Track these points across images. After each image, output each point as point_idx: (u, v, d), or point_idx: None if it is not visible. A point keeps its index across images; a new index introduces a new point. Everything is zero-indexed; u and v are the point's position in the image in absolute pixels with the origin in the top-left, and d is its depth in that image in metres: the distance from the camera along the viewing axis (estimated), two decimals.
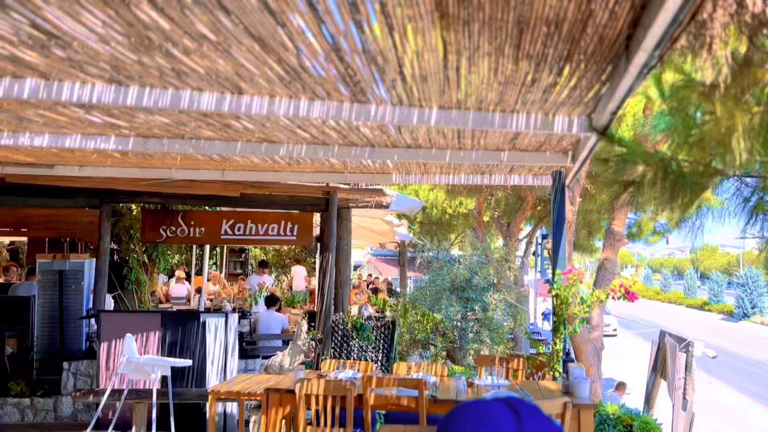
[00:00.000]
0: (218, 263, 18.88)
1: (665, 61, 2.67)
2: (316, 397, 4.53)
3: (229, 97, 3.39)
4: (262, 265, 13.22)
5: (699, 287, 44.36)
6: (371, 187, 7.18)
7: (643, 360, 15.37)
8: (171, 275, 14.74)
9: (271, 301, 9.65)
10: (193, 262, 15.34)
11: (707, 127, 2.38)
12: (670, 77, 2.94)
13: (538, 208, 15.44)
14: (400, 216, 13.96)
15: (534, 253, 21.41)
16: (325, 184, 7.10)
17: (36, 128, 4.43)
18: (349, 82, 3.13)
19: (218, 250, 19.73)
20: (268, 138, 4.57)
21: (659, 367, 7.20)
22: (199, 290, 12.70)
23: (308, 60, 2.80)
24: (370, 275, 22.84)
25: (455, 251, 16.15)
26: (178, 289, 13.08)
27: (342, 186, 7.20)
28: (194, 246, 15.34)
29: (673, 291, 46.27)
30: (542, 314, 25.96)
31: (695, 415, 6.23)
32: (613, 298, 5.26)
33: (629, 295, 5.24)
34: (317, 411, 4.57)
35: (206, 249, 15.18)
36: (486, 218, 18.26)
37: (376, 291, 15.76)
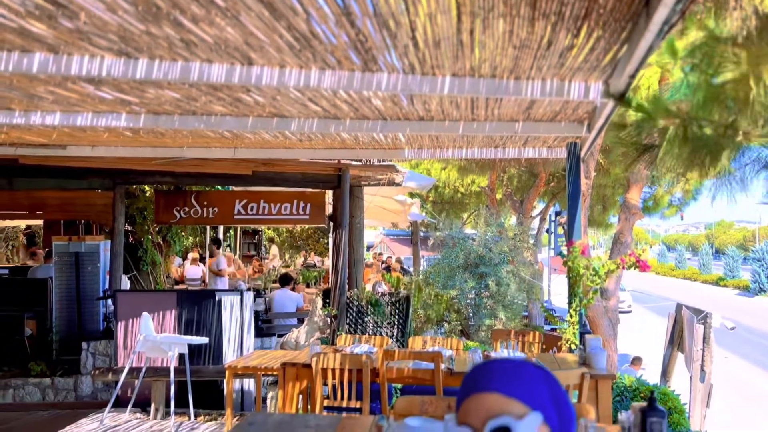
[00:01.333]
0: (231, 245, 18.96)
1: (686, 17, 2.59)
2: (333, 370, 4.53)
3: (239, 69, 3.34)
4: (216, 243, 12.90)
5: (714, 263, 44.04)
6: (383, 163, 7.13)
7: (658, 335, 15.27)
8: (185, 258, 14.84)
9: (285, 280, 9.68)
10: (207, 244, 15.42)
11: (730, 83, 2.30)
12: (691, 36, 2.86)
13: (552, 184, 15.32)
14: (412, 194, 13.90)
15: (547, 231, 21.31)
16: (336, 161, 7.06)
17: (47, 106, 4.41)
18: (360, 49, 3.07)
19: (232, 232, 19.83)
20: (279, 112, 4.52)
21: (676, 340, 7.16)
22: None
23: (318, 26, 2.75)
24: (380, 254, 22.83)
25: (468, 230, 16.09)
26: (193, 270, 13.15)
27: (354, 163, 7.16)
28: (208, 228, 15.42)
29: (688, 267, 45.91)
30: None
31: (713, 386, 6.19)
32: (623, 267, 5.20)
33: (640, 264, 5.18)
34: (334, 385, 4.58)
35: (220, 231, 15.24)
36: (499, 196, 18.15)
37: (389, 269, 15.76)
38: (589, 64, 3.32)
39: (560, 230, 18.50)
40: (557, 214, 19.53)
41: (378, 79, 3.42)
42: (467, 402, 1.33)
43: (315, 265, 17.83)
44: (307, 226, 19.71)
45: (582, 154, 5.89)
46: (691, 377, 6.20)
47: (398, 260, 20.43)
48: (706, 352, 6.03)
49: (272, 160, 6.69)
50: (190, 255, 13.80)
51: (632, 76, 3.18)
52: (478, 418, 1.29)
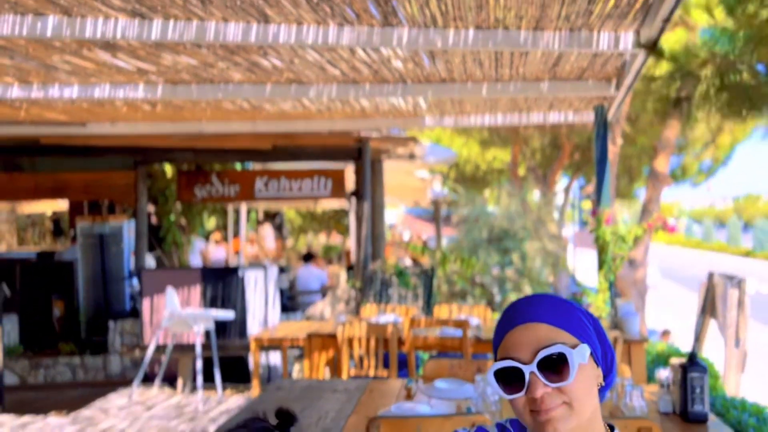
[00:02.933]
0: (254, 227, 19.02)
1: None
2: (359, 339, 4.48)
3: (255, 27, 3.25)
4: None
5: (743, 236, 43.23)
6: (404, 135, 7.02)
7: (686, 308, 15.00)
8: (208, 240, 14.90)
9: (308, 256, 9.66)
10: (231, 226, 15.47)
11: None
12: None
13: (575, 156, 15.06)
14: (432, 170, 13.77)
15: (572, 206, 21.04)
16: (357, 133, 6.96)
17: (64, 78, 4.37)
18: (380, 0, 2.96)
19: (254, 214, 19.89)
20: (297, 78, 4.43)
21: (708, 308, 6.97)
22: (237, 253, 12.82)
23: None
24: (401, 234, 22.74)
25: (491, 207, 15.90)
26: (218, 252, 13.22)
27: (374, 135, 7.05)
28: (229, 211, 15.47)
29: (716, 241, 45.14)
30: None
31: (748, 353, 6.03)
32: (649, 230, 5.06)
33: (666, 227, 5.04)
34: (360, 356, 4.53)
35: (242, 213, 15.28)
36: (521, 171, 17.92)
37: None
38: (620, 11, 3.17)
39: (584, 204, 18.25)
40: (581, 188, 19.25)
41: (398, 33, 3.30)
42: (511, 334, 1.24)
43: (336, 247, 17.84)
44: (327, 208, 19.67)
45: (609, 116, 5.72)
46: (725, 343, 6.04)
47: (419, 238, 20.35)
48: (741, 317, 5.86)
49: (292, 134, 6.61)
50: (213, 236, 13.86)
51: (666, 20, 3.02)
52: (527, 348, 1.20)
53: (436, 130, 15.82)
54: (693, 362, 2.56)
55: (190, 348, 6.30)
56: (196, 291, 6.72)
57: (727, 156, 13.22)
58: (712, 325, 6.94)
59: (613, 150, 8.52)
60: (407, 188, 15.05)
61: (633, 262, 9.70)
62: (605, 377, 1.28)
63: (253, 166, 10.16)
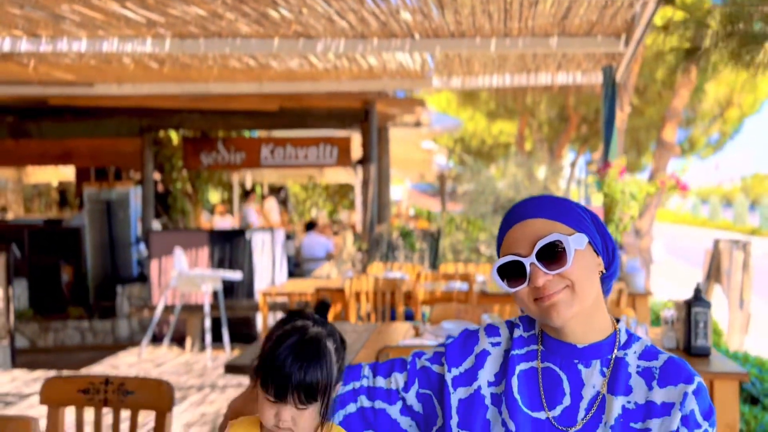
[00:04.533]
0: (259, 201, 19.05)
1: None
2: (366, 294, 4.52)
3: None
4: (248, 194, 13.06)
5: (749, 215, 43.07)
6: (411, 95, 7.00)
7: (691, 282, 15.04)
8: (213, 213, 14.96)
9: (311, 224, 9.71)
10: (236, 200, 15.53)
11: None
12: None
13: (582, 129, 14.99)
14: (437, 140, 13.74)
15: (577, 182, 20.97)
16: (363, 95, 6.94)
17: (73, 31, 4.37)
18: None
19: (259, 188, 19.92)
20: (305, 31, 4.42)
21: (713, 273, 7.00)
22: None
23: None
24: (406, 209, 22.74)
25: (497, 182, 15.88)
26: (224, 223, 13.27)
27: (380, 96, 7.03)
28: (235, 183, 15.50)
29: (721, 220, 45.00)
30: None
31: (752, 315, 6.07)
32: (662, 188, 5.06)
33: (680, 186, 5.03)
34: (368, 314, 4.58)
35: (247, 186, 15.31)
36: (528, 146, 17.86)
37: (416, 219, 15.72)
38: None
39: (590, 179, 18.19)
40: (588, 163, 19.17)
41: None
42: (511, 232, 1.28)
43: (341, 221, 17.87)
44: (333, 182, 19.66)
45: (617, 77, 5.70)
46: (729, 305, 6.08)
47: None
48: (745, 279, 5.89)
49: (298, 95, 6.61)
50: (217, 209, 13.91)
51: None
52: (526, 243, 1.24)
53: (442, 102, 15.77)
54: (697, 298, 2.59)
55: (199, 308, 6.37)
56: (204, 253, 6.78)
57: (736, 130, 13.15)
58: (717, 290, 6.97)
59: (621, 117, 8.46)
60: (413, 161, 15.05)
61: (639, 231, 9.70)
62: (607, 268, 1.31)
63: (259, 133, 10.16)
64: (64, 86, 6.14)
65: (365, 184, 6.79)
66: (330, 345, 1.24)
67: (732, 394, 2.40)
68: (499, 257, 1.30)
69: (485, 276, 4.99)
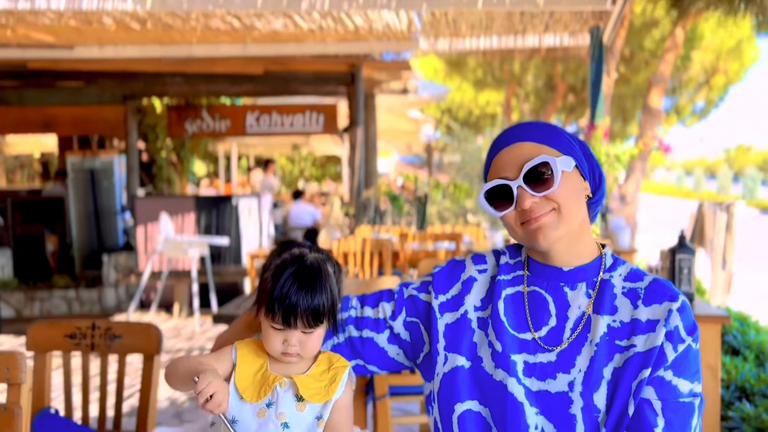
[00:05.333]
0: (246, 173, 18.94)
1: None
2: (354, 254, 4.52)
3: None
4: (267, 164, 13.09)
5: (732, 186, 43.52)
6: (398, 58, 6.93)
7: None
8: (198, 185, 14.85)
9: (298, 193, 9.68)
10: (222, 172, 15.41)
11: None
12: None
13: (569, 98, 14.99)
14: (424, 108, 13.66)
15: None
16: (350, 59, 6.86)
17: None
18: None
19: (245, 160, 19.77)
20: None
21: (697, 236, 7.08)
22: None
23: None
24: (394, 180, 22.69)
25: (484, 153, 15.87)
26: (209, 193, 13.21)
27: (366, 59, 6.95)
28: (220, 157, 15.37)
29: (705, 191, 45.46)
30: None
31: (734, 276, 6.15)
32: (646, 150, 5.09)
33: (662, 147, 5.06)
34: (355, 273, 4.59)
35: (233, 159, 15.19)
36: (515, 116, 17.83)
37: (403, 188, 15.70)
38: None
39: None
40: (575, 134, 19.19)
41: None
42: (498, 157, 1.29)
43: (328, 192, 17.82)
44: (319, 154, 19.55)
45: (605, 38, 5.67)
46: (712, 266, 6.16)
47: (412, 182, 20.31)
48: (728, 240, 5.95)
49: (283, 58, 6.52)
50: (203, 182, 13.82)
51: None
52: (514, 166, 1.25)
53: (429, 72, 15.66)
54: (681, 245, 2.62)
55: (186, 274, 6.35)
56: (191, 219, 6.74)
57: (721, 97, 13.20)
58: (701, 253, 7.06)
59: (608, 82, 8.44)
60: (400, 131, 14.97)
61: (624, 198, 9.77)
62: (594, 193, 1.31)
63: (244, 101, 10.05)
64: (44, 49, 6.01)
65: (352, 148, 6.75)
66: (329, 268, 1.26)
67: (714, 337, 2.44)
68: (486, 176, 1.31)
69: (471, 237, 5.01)
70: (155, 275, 6.43)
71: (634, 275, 1.28)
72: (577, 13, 5.20)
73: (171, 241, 6.02)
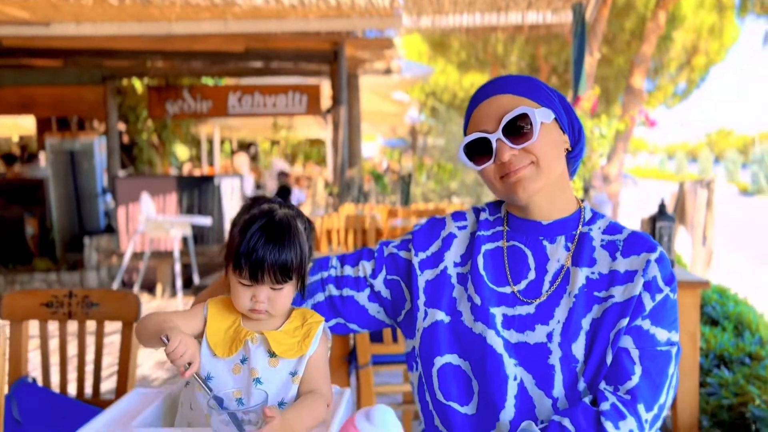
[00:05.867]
0: (229, 157, 18.81)
1: None
2: (337, 231, 4.51)
3: None
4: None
5: (714, 168, 44.07)
6: (381, 36, 6.87)
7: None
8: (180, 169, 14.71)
9: (282, 174, 9.63)
10: (204, 157, 15.27)
11: None
12: None
13: (553, 80, 15.00)
14: (408, 91, 13.61)
15: None
16: (333, 37, 6.79)
17: None
18: None
19: (228, 144, 19.61)
20: None
21: (677, 214, 7.15)
22: None
23: None
24: (379, 163, 22.65)
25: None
26: None
27: (349, 37, 6.89)
28: (202, 141, 15.22)
29: (687, 174, 46.00)
30: None
31: (714, 252, 6.22)
32: (631, 123, 5.11)
33: (649, 121, 5.08)
34: (339, 251, 4.58)
35: (216, 143, 15.06)
36: None
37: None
38: None
39: None
40: None
41: None
42: (477, 111, 1.28)
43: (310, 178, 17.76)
44: (303, 137, 19.45)
45: (587, 15, 5.68)
46: (692, 243, 6.22)
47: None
48: (708, 216, 6.01)
49: (265, 36, 6.44)
50: (186, 166, 13.68)
51: None
52: (493, 119, 1.24)
53: (413, 54, 15.57)
54: (661, 213, 2.63)
55: (168, 254, 6.31)
56: (172, 199, 6.68)
57: (702, 78, 13.29)
58: (681, 231, 7.14)
59: (590, 62, 8.45)
60: (384, 114, 14.91)
61: (607, 178, 9.83)
62: (573, 147, 1.31)
63: (226, 81, 9.95)
64: (19, 26, 5.88)
65: (335, 127, 6.71)
66: (298, 224, 1.24)
67: (693, 303, 2.47)
68: (466, 130, 1.30)
69: None
70: (137, 256, 6.38)
71: (613, 228, 1.29)
72: None
73: (153, 221, 5.96)
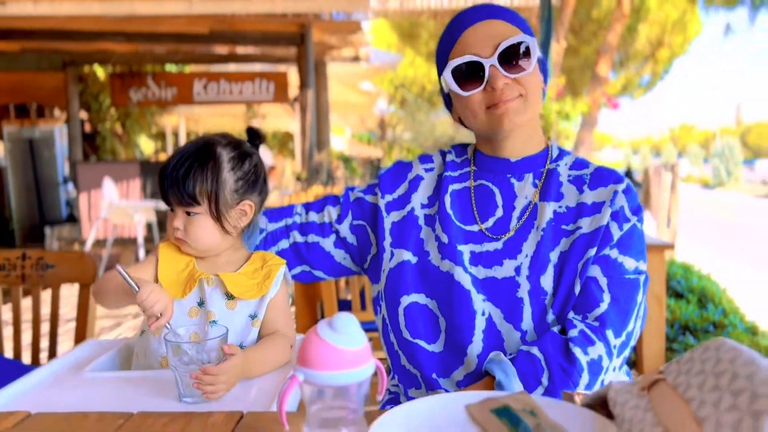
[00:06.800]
0: None
1: None
2: None
3: None
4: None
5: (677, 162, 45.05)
6: (348, 19, 6.81)
7: None
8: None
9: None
10: (170, 149, 15.01)
11: None
12: None
13: None
14: (377, 82, 13.57)
15: None
16: (298, 19, 6.71)
17: None
18: None
19: (194, 137, 19.29)
20: None
21: (642, 199, 7.27)
22: None
23: None
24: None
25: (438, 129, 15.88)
26: None
27: (317, 19, 6.81)
28: (168, 134, 14.95)
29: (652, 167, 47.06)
30: None
31: (678, 233, 6.34)
32: (594, 106, 5.18)
33: (610, 103, 5.16)
34: None
35: (181, 135, 14.82)
36: None
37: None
38: None
39: None
40: None
41: None
42: (469, 32, 1.20)
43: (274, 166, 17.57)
44: (272, 129, 19.27)
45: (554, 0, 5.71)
46: (657, 225, 6.33)
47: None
48: (672, 199, 6.12)
49: (230, 17, 6.33)
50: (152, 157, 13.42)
51: None
52: (487, 43, 1.17)
53: (382, 44, 15.55)
54: (627, 175, 2.64)
55: (132, 241, 6.17)
56: (136, 184, 6.53)
57: (666, 70, 13.55)
58: (647, 216, 7.26)
59: (557, 50, 8.55)
60: (352, 105, 14.84)
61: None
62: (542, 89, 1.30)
63: (191, 68, 9.78)
64: None
65: (303, 111, 6.63)
66: (224, 153, 1.18)
67: (659, 265, 2.48)
68: (447, 61, 1.22)
69: None
70: (100, 243, 6.22)
71: (580, 164, 1.28)
72: None
73: (115, 207, 5.82)
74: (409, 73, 19.14)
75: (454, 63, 1.18)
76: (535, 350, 1.10)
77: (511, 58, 1.16)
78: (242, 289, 1.17)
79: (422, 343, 1.21)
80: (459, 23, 1.22)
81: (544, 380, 1.07)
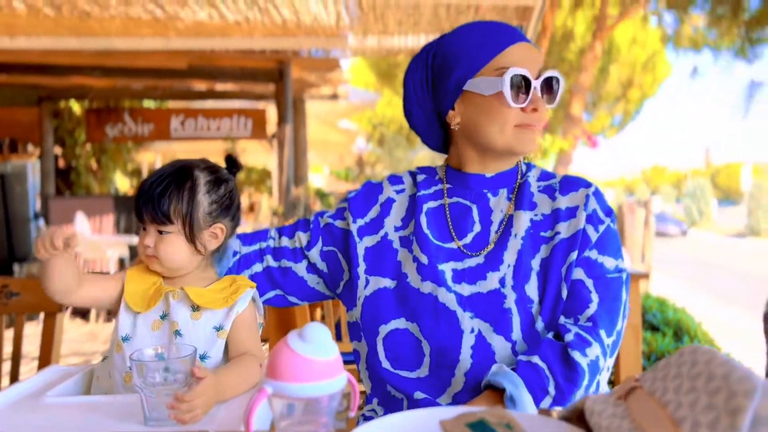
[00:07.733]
0: None
1: None
2: None
3: None
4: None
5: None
6: (327, 56, 6.90)
7: None
8: None
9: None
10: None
11: None
12: None
13: None
14: (355, 120, 13.70)
15: None
16: (277, 54, 6.78)
17: None
18: None
19: None
20: None
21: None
22: None
23: None
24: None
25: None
26: None
27: (295, 56, 6.89)
28: (144, 171, 14.84)
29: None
30: None
31: (653, 270, 6.41)
32: (574, 143, 5.27)
33: (590, 141, 5.25)
34: None
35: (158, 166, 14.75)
36: None
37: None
38: None
39: None
40: None
41: None
42: (517, 48, 1.19)
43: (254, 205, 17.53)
44: (250, 164, 19.26)
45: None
46: (631, 261, 6.39)
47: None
48: (646, 235, 6.21)
49: (209, 53, 6.37)
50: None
51: None
52: (534, 66, 1.19)
53: (360, 83, 15.77)
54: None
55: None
56: (109, 219, 6.44)
57: (637, 110, 13.91)
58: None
59: None
60: (331, 143, 14.95)
61: None
62: None
63: (169, 104, 9.78)
64: None
65: (281, 145, 6.64)
66: (201, 176, 1.20)
67: (635, 296, 2.49)
68: (484, 63, 1.19)
69: None
70: None
71: (546, 175, 1.33)
72: (500, 11, 5.34)
73: (88, 241, 5.72)
74: (387, 112, 19.41)
75: (515, 70, 1.15)
76: (536, 359, 1.10)
77: (549, 88, 1.22)
78: (207, 300, 1.16)
79: (405, 374, 1.20)
80: (505, 36, 1.20)
81: (551, 389, 1.07)
